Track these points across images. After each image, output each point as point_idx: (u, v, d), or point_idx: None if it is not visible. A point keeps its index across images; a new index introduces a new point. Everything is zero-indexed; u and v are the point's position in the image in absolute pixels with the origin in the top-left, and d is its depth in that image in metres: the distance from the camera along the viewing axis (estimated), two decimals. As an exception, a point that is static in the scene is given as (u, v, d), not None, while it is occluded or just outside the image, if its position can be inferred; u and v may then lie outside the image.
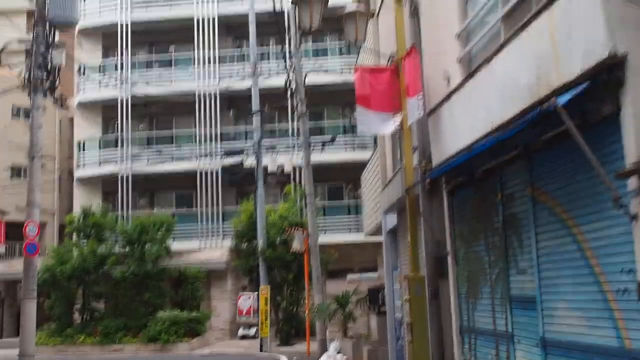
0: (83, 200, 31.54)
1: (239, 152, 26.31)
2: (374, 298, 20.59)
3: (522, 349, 7.64)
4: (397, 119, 10.66)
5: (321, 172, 30.42)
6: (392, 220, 14.94)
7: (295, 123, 29.30)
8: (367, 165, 20.20)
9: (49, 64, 19.05)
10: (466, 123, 8.57)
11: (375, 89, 10.70)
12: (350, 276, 25.89)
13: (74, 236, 29.65)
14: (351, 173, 27.74)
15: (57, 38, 19.83)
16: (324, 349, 21.72)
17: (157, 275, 27.95)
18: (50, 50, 19.09)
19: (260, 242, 25.25)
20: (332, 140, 25.65)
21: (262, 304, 24.54)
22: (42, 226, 37.99)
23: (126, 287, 28.24)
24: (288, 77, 22.04)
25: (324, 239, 28.51)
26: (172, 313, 26.90)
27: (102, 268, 28.11)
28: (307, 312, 22.82)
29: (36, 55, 18.90)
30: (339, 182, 32.48)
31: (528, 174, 7.30)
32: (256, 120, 25.25)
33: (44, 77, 19.03)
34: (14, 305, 33.55)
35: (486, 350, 8.75)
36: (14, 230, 38.03)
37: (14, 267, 31.41)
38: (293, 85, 23.23)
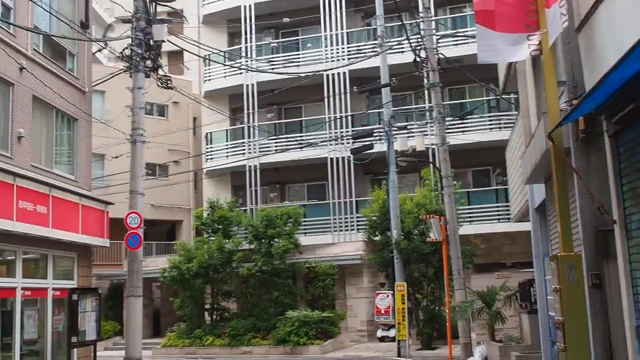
0: (212, 194, 30.10)
1: (369, 134, 23.69)
2: (526, 293, 17.41)
3: None
4: (534, 41, 7.69)
5: (464, 156, 27.47)
6: (539, 193, 11.87)
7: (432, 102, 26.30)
8: (511, 136, 17.04)
9: (150, 41, 17.50)
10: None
11: (502, 1, 7.78)
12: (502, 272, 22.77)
13: (193, 230, 28.28)
14: (498, 156, 24.34)
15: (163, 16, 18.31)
16: (468, 353, 18.85)
17: (285, 271, 25.89)
18: (151, 25, 17.50)
19: (394, 232, 22.49)
20: (470, 113, 22.50)
21: (398, 302, 21.80)
22: (177, 224, 37.58)
23: (254, 285, 26.42)
24: (408, 40, 19.15)
25: (469, 229, 25.62)
26: (301, 313, 24.75)
27: (229, 265, 26.44)
28: (447, 310, 19.88)
29: (136, 32, 17.32)
30: (485, 167, 29.16)
31: None
32: (385, 95, 22.52)
33: (145, 55, 17.34)
34: (149, 306, 32.76)
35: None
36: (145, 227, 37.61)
37: (147, 265, 30.56)
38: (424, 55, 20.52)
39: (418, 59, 20.48)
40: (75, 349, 15.86)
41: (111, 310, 31.89)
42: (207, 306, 27.49)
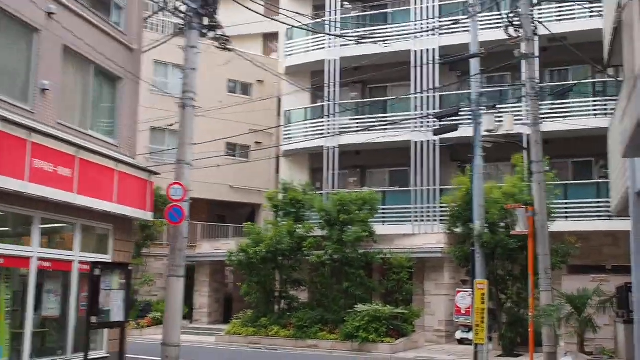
0: (290, 176, 28.42)
1: (454, 114, 21.24)
2: (623, 299, 14.83)
3: None
4: None
5: (564, 145, 24.92)
6: (642, 171, 9.41)
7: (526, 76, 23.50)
8: (614, 115, 14.40)
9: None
10: None
11: None
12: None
13: (272, 214, 26.65)
14: (602, 146, 21.53)
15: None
16: (552, 365, 16.36)
17: (357, 261, 23.85)
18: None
19: (477, 224, 20.00)
20: (570, 89, 19.76)
21: (477, 301, 19.42)
22: (257, 207, 36.09)
23: (325, 274, 24.55)
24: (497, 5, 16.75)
25: (565, 225, 23.03)
26: (372, 307, 22.71)
27: (299, 251, 24.66)
28: (530, 314, 17.41)
29: (191, -15, 15.72)
30: (587, 158, 26.19)
31: None
32: (474, 67, 20.01)
33: (200, 10, 15.68)
34: (221, 290, 31.43)
35: None
36: (223, 210, 36.38)
37: (219, 248, 29.22)
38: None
39: (511, 28, 18.07)
40: (104, 331, 14.46)
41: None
42: (275, 294, 25.86)
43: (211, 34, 16.43)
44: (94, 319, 12.67)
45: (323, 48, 29.23)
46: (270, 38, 40.37)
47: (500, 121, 21.34)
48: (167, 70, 32.80)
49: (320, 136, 28.50)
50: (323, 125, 28.88)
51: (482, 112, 19.73)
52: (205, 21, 16.08)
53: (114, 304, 13.32)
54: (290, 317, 24.47)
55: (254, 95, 35.19)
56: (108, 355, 14.50)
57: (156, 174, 16.19)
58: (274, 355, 22.03)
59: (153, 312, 28.25)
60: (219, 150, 32.76)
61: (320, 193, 27.50)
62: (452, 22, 26.05)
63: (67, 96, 13.66)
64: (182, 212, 14.64)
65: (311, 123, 29.48)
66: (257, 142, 34.07)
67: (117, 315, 13.42)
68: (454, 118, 22.56)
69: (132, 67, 15.73)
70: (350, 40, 26.60)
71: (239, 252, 25.27)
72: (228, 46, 16.81)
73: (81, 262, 13.82)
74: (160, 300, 29.77)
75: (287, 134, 30.41)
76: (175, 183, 14.71)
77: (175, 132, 31.64)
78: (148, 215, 15.83)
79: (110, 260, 14.72)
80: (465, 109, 21.78)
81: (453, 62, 22.78)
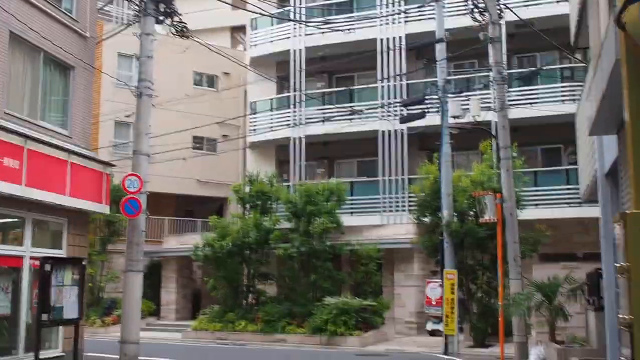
0: (257, 169, 27.87)
1: (420, 101, 20.88)
2: (594, 286, 14.51)
3: None
4: None
5: (532, 132, 24.62)
6: (610, 151, 9.05)
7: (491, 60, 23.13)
8: (581, 97, 14.10)
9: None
10: None
11: None
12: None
13: (239, 207, 26.09)
14: (571, 132, 21.32)
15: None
16: (522, 354, 16.09)
17: (324, 253, 23.42)
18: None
19: (445, 212, 19.71)
20: (537, 73, 19.48)
21: (447, 292, 19.16)
22: (226, 202, 35.46)
23: (292, 267, 24.09)
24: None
25: (535, 213, 22.74)
26: (340, 300, 22.28)
27: (266, 244, 24.15)
28: (500, 303, 17.10)
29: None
30: (556, 144, 25.96)
31: None
32: (440, 51, 19.64)
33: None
34: (188, 286, 30.82)
35: None
36: (191, 204, 35.75)
37: (185, 242, 28.59)
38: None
39: (476, 11, 17.74)
40: (59, 329, 13.90)
41: (150, 290, 30.06)
42: (242, 288, 25.34)
43: (168, 21, 15.99)
44: (44, 317, 12.05)
45: (288, 38, 28.68)
46: (237, 31, 39.87)
47: (467, 108, 21.05)
48: (132, 62, 32.06)
49: (286, 127, 27.98)
50: (289, 116, 28.36)
51: (448, 98, 19.40)
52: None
53: (67, 300, 12.70)
54: (258, 311, 23.98)
55: (221, 88, 34.66)
56: (63, 354, 13.94)
57: (112, 165, 15.61)
58: (241, 351, 21.52)
59: (118, 309, 27.55)
60: (185, 144, 32.24)
61: (288, 185, 27.03)
62: (418, 8, 25.65)
63: (14, 85, 13.06)
64: (138, 205, 14.15)
65: (277, 114, 28.93)
66: (224, 135, 33.57)
67: (70, 312, 12.79)
68: (420, 106, 22.28)
69: (85, 55, 15.11)
70: (315, 27, 26.06)
71: (204, 246, 24.71)
72: (186, 34, 16.32)
73: (33, 258, 13.22)
74: (127, 298, 29.12)
75: (253, 126, 29.82)
76: (131, 174, 14.21)
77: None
78: (105, 209, 15.27)
79: (64, 255, 14.12)
80: (432, 96, 21.41)
81: (419, 48, 22.38)
